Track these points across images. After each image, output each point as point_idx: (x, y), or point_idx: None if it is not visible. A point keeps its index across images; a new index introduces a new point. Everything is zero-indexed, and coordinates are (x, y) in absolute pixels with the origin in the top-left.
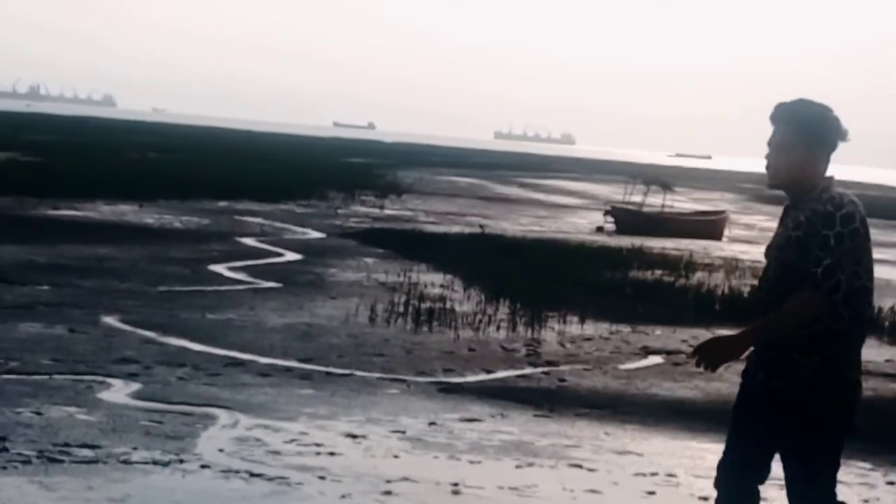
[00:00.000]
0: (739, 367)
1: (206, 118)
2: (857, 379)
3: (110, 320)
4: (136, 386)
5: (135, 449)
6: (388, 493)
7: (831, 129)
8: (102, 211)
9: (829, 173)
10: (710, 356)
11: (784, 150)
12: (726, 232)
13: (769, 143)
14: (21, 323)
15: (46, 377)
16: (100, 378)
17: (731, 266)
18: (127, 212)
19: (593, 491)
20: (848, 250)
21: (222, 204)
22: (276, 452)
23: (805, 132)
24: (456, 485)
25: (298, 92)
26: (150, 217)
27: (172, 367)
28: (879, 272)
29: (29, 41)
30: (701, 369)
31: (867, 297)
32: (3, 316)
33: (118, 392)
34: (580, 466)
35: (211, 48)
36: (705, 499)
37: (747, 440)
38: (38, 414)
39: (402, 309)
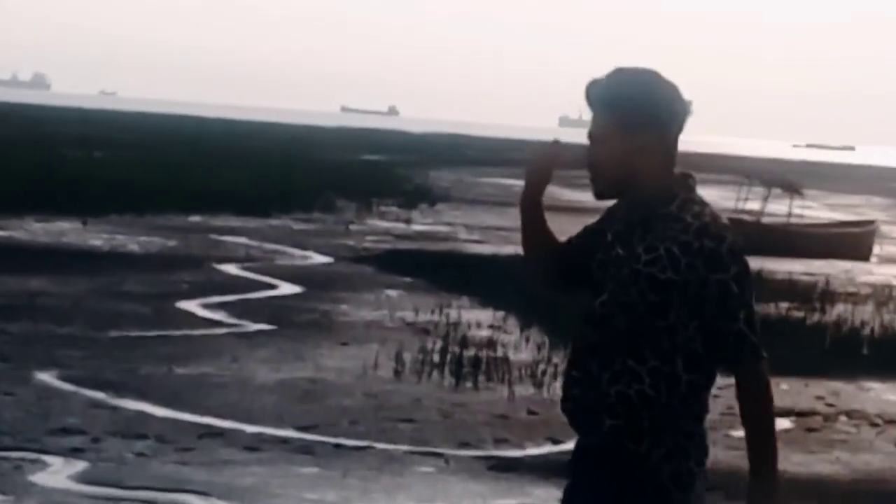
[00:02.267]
0: (894, 432)
1: (170, 103)
2: (680, 470)
3: (46, 377)
4: (80, 465)
5: None
6: None
7: (668, 106)
8: (33, 230)
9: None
10: None
11: (604, 142)
12: (875, 249)
13: (588, 136)
14: None
15: None
16: (32, 455)
17: (884, 295)
18: (66, 231)
19: None
20: (753, 290)
21: (194, 219)
22: None
23: (631, 114)
24: None
25: (293, 67)
26: (97, 238)
27: (129, 440)
28: None
29: None
30: None
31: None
32: None
33: (57, 473)
34: None
35: (174, 11)
36: None
37: None
38: None
39: (437, 358)
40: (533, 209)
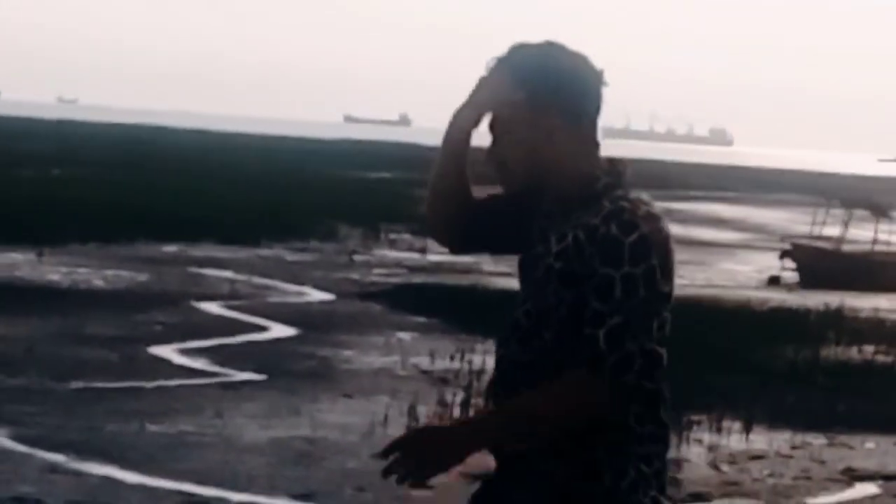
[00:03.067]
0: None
1: (141, 112)
2: (641, 500)
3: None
4: None
5: None
6: None
7: (580, 81)
8: (35, 265)
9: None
10: (415, 455)
11: (511, 128)
12: None
13: (490, 124)
14: None
15: None
16: None
17: None
18: (19, 263)
19: None
20: (645, 302)
21: (169, 249)
22: None
23: (538, 93)
24: None
25: (289, 71)
26: (55, 272)
27: None
28: None
29: None
30: (397, 479)
31: (660, 368)
32: None
33: None
34: None
35: (150, 9)
36: None
37: None
38: None
39: (458, 412)
40: (464, 144)
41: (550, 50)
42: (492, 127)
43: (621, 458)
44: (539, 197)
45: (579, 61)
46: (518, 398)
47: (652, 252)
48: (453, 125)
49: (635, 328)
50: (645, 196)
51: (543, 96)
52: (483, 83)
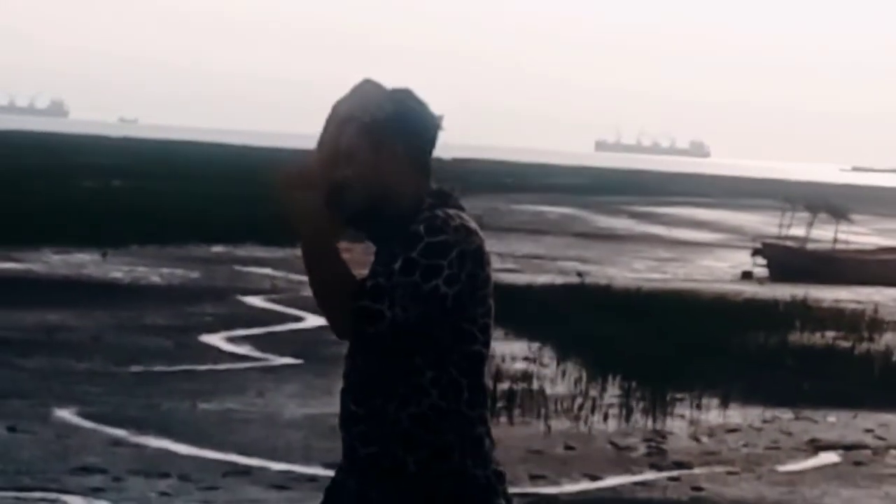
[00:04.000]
0: None
1: (192, 130)
2: (487, 473)
3: (65, 414)
4: None
5: None
6: None
7: (419, 120)
8: (51, 262)
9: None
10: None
11: (354, 159)
12: None
13: (333, 154)
14: None
15: None
16: (52, 495)
17: None
18: (86, 263)
19: None
20: (415, 286)
21: (217, 249)
22: None
23: (383, 129)
24: None
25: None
26: (117, 270)
27: (151, 479)
28: None
29: None
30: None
31: (483, 364)
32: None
33: None
34: None
35: (196, 34)
36: None
37: None
38: None
39: None
40: (329, 242)
41: (396, 91)
42: (337, 153)
43: (464, 440)
44: (372, 219)
45: (421, 106)
46: (335, 265)
47: (449, 256)
48: (317, 237)
49: (396, 296)
50: (466, 216)
51: (390, 131)
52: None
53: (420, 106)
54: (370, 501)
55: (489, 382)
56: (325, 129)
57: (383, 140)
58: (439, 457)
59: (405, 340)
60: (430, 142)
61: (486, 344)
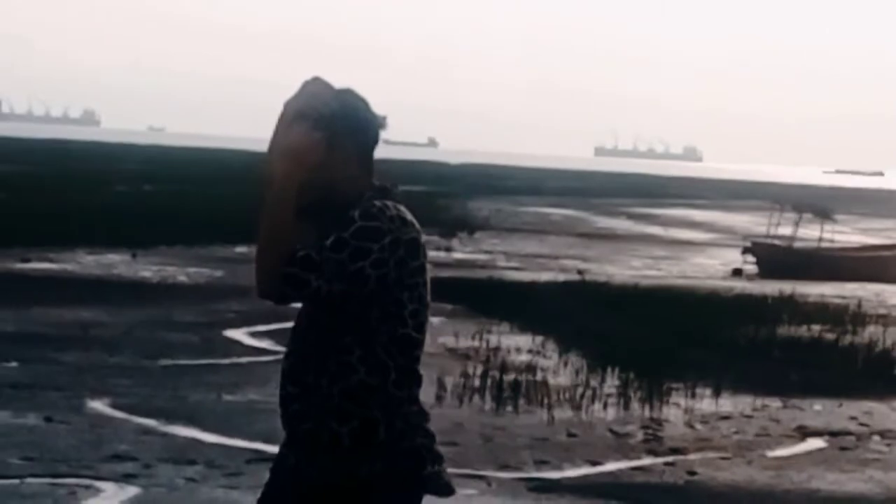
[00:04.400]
0: None
1: (218, 138)
2: (415, 445)
3: (98, 405)
4: (132, 490)
5: None
6: None
7: (364, 119)
8: (85, 262)
9: None
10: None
11: (307, 156)
12: None
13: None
14: None
15: (17, 481)
16: (86, 481)
17: None
18: (117, 263)
19: None
20: (340, 263)
21: (241, 250)
22: None
23: (332, 128)
24: None
25: None
26: (146, 269)
27: (180, 466)
28: None
29: None
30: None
31: (414, 348)
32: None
33: (110, 499)
34: None
35: (222, 46)
36: None
37: None
38: None
39: (478, 383)
40: (289, 203)
41: (342, 92)
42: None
43: (390, 416)
44: (320, 212)
45: (364, 103)
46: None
47: (381, 242)
48: (281, 183)
49: (323, 269)
50: (404, 208)
51: (338, 130)
52: (288, 132)
53: (364, 104)
54: (308, 477)
55: (420, 367)
56: (277, 127)
57: (331, 137)
58: (367, 431)
59: (335, 319)
60: (374, 139)
61: (418, 329)
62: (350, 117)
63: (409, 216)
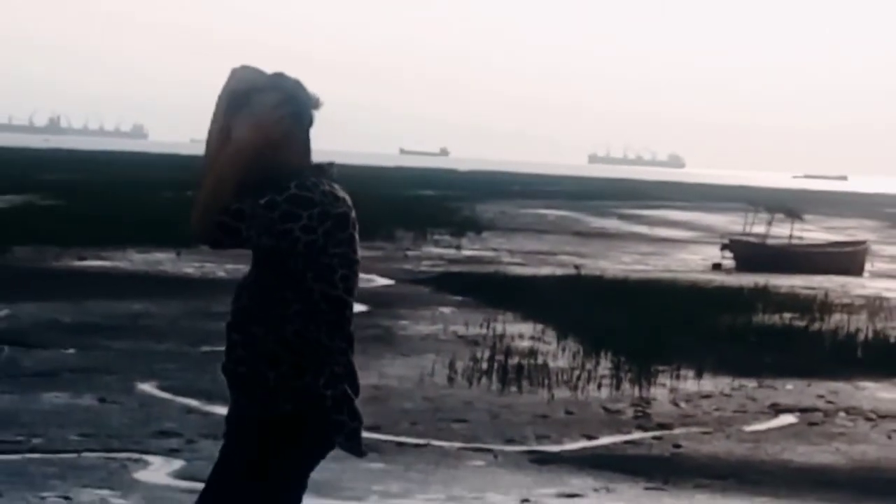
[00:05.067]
0: (889, 426)
1: None
2: (336, 394)
3: (147, 387)
4: (178, 463)
5: None
6: None
7: (301, 103)
8: (135, 260)
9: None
10: None
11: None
12: (867, 266)
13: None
14: (44, 393)
15: (74, 455)
16: (136, 455)
17: (875, 306)
18: (163, 260)
19: None
20: (272, 221)
21: None
22: None
23: (273, 112)
24: None
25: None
26: (189, 266)
27: (219, 441)
28: None
29: (47, 67)
30: None
31: (344, 308)
32: (24, 385)
33: (157, 471)
34: None
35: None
36: None
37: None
38: (66, 498)
39: (485, 366)
40: (240, 166)
41: (279, 78)
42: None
43: (318, 364)
44: (260, 188)
45: (301, 88)
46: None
47: (310, 210)
48: (236, 154)
49: (252, 222)
50: (339, 186)
51: (279, 114)
52: (236, 103)
53: (299, 87)
54: (240, 408)
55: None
56: (216, 113)
57: (269, 119)
58: (295, 374)
59: (277, 277)
60: (310, 119)
61: (348, 292)
62: (288, 101)
63: (342, 193)
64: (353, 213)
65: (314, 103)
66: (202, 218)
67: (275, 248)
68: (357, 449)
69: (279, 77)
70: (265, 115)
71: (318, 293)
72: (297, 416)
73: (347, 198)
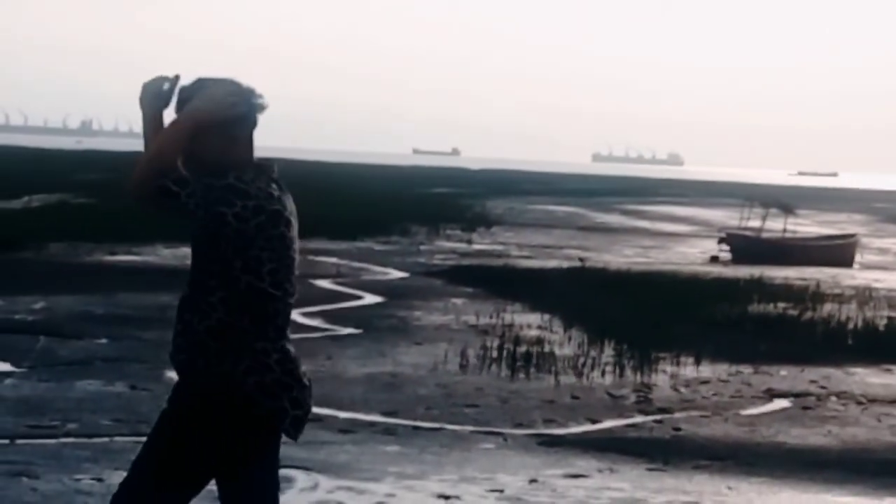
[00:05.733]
0: (879, 409)
1: (273, 149)
2: (263, 381)
3: (174, 375)
4: None
5: None
6: None
7: (248, 106)
8: (163, 255)
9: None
10: None
11: (204, 134)
12: (857, 258)
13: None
14: (78, 381)
15: (107, 440)
16: None
17: (865, 296)
18: (189, 255)
19: None
20: (208, 202)
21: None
22: None
23: (224, 113)
24: None
25: (372, 116)
26: None
27: None
28: None
29: (79, 72)
30: None
31: (269, 301)
32: (59, 373)
33: None
34: None
35: (276, 68)
36: None
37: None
38: (100, 480)
39: (495, 354)
40: (185, 136)
41: (230, 83)
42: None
43: (240, 351)
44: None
45: (249, 92)
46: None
47: (245, 202)
48: (188, 120)
49: (193, 192)
50: (276, 186)
51: (229, 116)
52: (193, 100)
53: (249, 95)
54: (176, 390)
55: (280, 321)
56: (145, 118)
57: (222, 99)
58: (217, 361)
59: (206, 266)
60: (254, 121)
61: (275, 286)
62: (239, 104)
63: (277, 193)
64: (288, 214)
65: (260, 107)
66: (143, 175)
67: (205, 227)
68: (294, 431)
69: (231, 79)
70: (219, 96)
71: (244, 283)
72: (220, 402)
73: (286, 199)
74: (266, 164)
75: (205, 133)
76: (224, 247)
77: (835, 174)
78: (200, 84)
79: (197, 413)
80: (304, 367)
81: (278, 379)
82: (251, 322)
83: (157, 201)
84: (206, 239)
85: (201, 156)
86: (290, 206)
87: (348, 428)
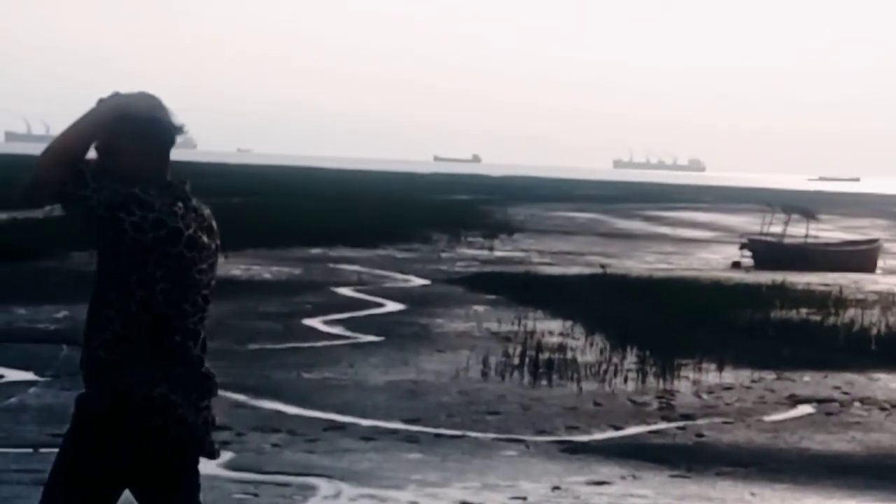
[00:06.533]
0: None
1: (295, 157)
2: (152, 395)
3: None
4: (227, 455)
5: None
6: None
7: (164, 125)
8: None
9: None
10: None
11: (117, 151)
12: (880, 263)
13: (100, 146)
14: None
15: None
16: None
17: (888, 301)
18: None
19: None
20: (111, 206)
21: (315, 251)
22: None
23: (138, 130)
24: None
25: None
26: (236, 268)
27: (266, 433)
28: None
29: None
30: None
31: (161, 321)
32: (81, 383)
33: (208, 462)
34: None
35: (297, 79)
36: None
37: None
38: None
39: (517, 361)
40: (96, 132)
41: (148, 100)
42: (104, 146)
43: (131, 364)
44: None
45: (166, 112)
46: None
47: (146, 214)
48: (103, 117)
49: (98, 188)
50: (182, 206)
51: (143, 132)
52: (108, 111)
53: (165, 115)
54: (78, 402)
55: (176, 344)
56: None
57: (140, 141)
58: (110, 373)
59: (105, 278)
60: (172, 141)
61: (167, 305)
62: (155, 122)
63: (182, 212)
64: (192, 233)
65: (178, 128)
66: (51, 161)
67: (103, 232)
68: (210, 453)
69: (150, 98)
70: (133, 101)
71: (138, 298)
72: (104, 416)
73: (193, 219)
74: (176, 184)
75: (120, 147)
76: (123, 259)
77: (857, 179)
78: (118, 95)
79: (89, 428)
80: (211, 386)
81: (164, 395)
82: (147, 337)
83: (61, 191)
84: (108, 248)
85: (114, 169)
86: (198, 225)
87: (371, 435)
